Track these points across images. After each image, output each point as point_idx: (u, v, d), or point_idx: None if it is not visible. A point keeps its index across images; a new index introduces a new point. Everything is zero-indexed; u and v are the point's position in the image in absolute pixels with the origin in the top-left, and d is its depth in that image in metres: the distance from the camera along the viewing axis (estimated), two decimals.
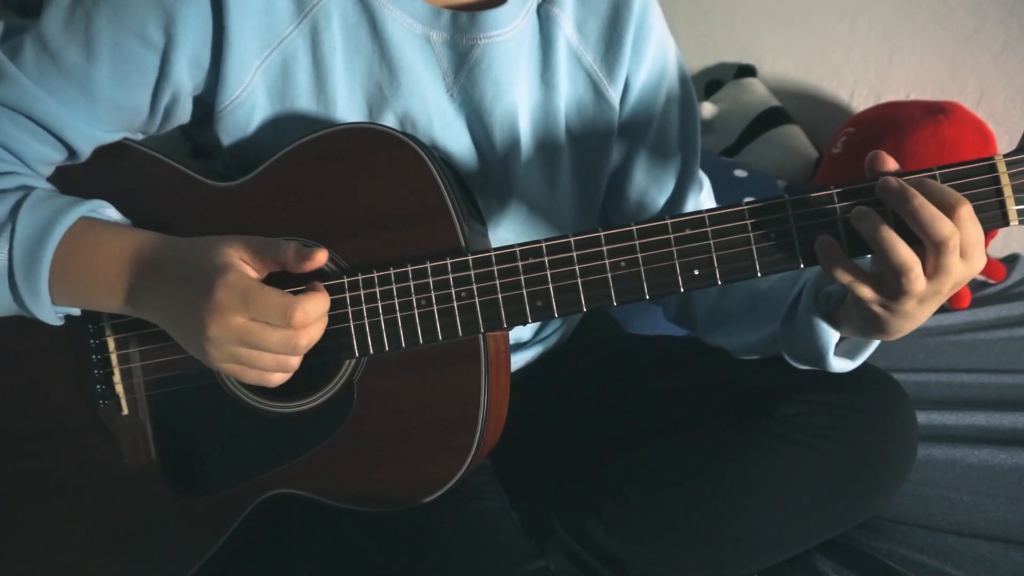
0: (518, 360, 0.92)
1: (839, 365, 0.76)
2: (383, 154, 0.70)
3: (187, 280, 0.65)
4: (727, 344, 0.87)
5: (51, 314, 0.69)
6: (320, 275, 0.70)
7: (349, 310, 0.70)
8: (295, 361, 0.66)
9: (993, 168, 0.62)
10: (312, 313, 0.64)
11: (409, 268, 0.69)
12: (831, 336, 0.73)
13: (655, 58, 0.85)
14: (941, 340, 1.37)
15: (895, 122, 1.55)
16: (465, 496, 0.76)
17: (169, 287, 0.66)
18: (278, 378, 0.67)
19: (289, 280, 0.66)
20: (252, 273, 0.65)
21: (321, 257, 0.65)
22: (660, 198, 0.90)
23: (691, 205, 0.91)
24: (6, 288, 0.67)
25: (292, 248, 0.65)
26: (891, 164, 0.64)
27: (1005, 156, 0.62)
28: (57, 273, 0.67)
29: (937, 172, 0.63)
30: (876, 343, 0.75)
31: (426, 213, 0.70)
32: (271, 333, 0.63)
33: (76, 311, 0.72)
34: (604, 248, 0.67)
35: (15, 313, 0.70)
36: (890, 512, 0.98)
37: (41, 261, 0.66)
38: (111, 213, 0.71)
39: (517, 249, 0.68)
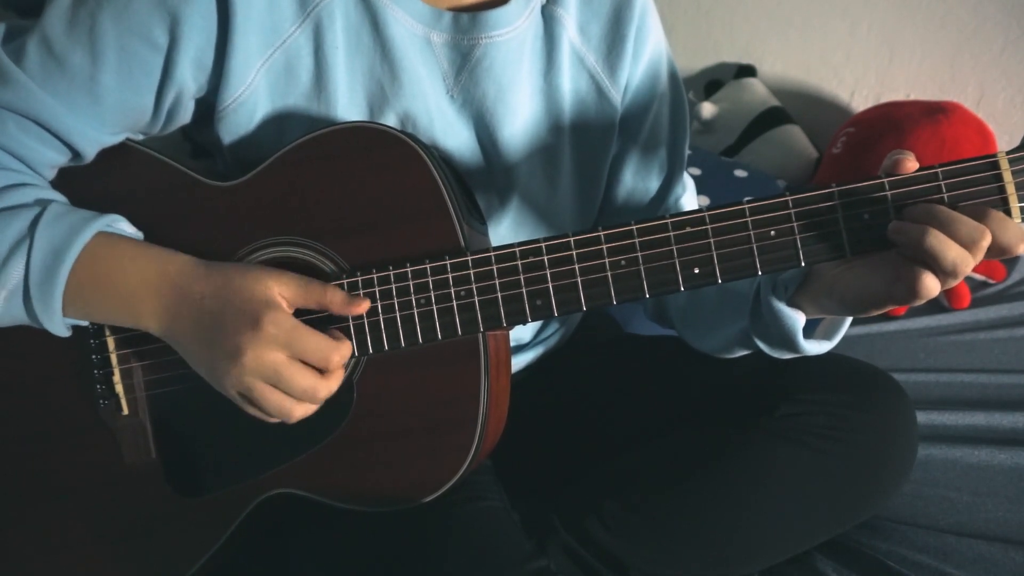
0: (519, 361, 0.92)
1: (813, 348, 0.75)
2: (383, 153, 0.70)
3: (225, 308, 0.66)
4: (707, 345, 0.87)
5: (61, 327, 0.70)
6: (320, 275, 0.70)
7: None
8: (301, 411, 0.67)
9: (996, 165, 0.63)
10: (345, 359, 0.68)
11: (408, 268, 0.69)
12: (796, 320, 0.73)
13: (651, 59, 0.86)
14: (941, 340, 1.37)
15: (895, 122, 1.55)
16: (466, 496, 0.76)
17: (199, 311, 0.67)
18: (275, 420, 0.69)
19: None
20: (288, 310, 0.67)
21: (366, 305, 0.68)
22: (646, 197, 0.90)
23: (674, 205, 0.91)
24: (19, 302, 0.67)
25: (341, 292, 0.68)
26: (911, 166, 0.64)
27: (1008, 153, 0.63)
28: (72, 288, 0.67)
29: (940, 170, 0.63)
30: (849, 321, 0.75)
31: (426, 212, 0.70)
32: (302, 377, 0.66)
33: (84, 323, 0.72)
34: (604, 247, 0.67)
35: (23, 324, 0.70)
36: (890, 512, 0.98)
37: (58, 277, 0.67)
38: (125, 227, 0.71)
39: (516, 248, 0.68)
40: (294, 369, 0.65)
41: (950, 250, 0.61)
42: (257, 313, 0.65)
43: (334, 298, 0.68)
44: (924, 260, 0.62)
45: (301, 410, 0.67)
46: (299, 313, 0.68)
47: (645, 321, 1.18)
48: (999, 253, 0.62)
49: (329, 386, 0.67)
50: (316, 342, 0.66)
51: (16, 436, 0.76)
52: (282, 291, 0.66)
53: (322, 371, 0.67)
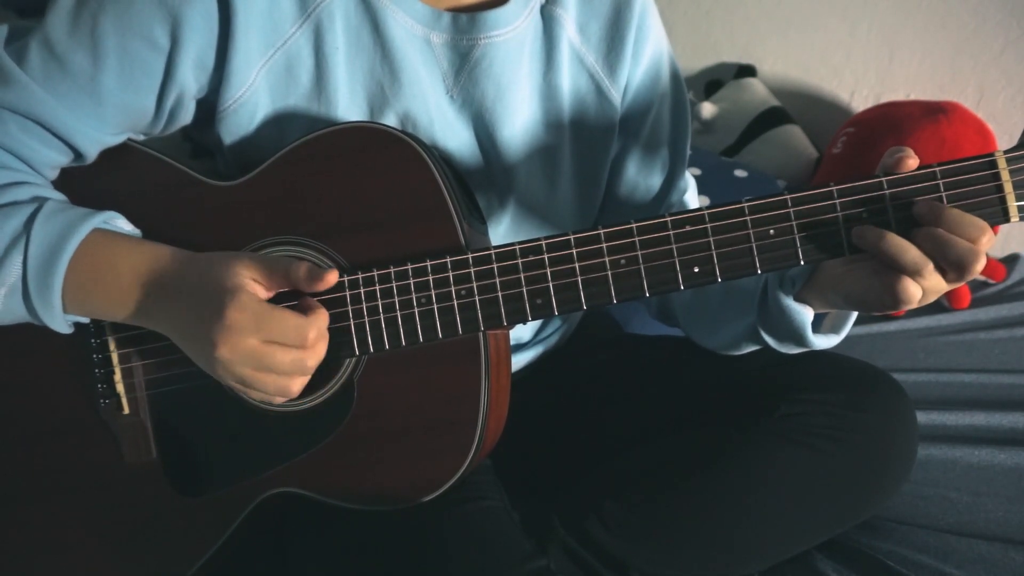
0: (519, 360, 0.92)
1: (822, 341, 0.77)
2: (383, 153, 0.70)
3: (198, 300, 0.65)
4: (714, 343, 0.87)
5: (62, 323, 0.70)
6: None
7: (349, 309, 0.70)
8: (298, 384, 0.67)
9: (993, 164, 0.63)
10: (323, 330, 0.67)
11: (409, 266, 0.69)
12: (805, 316, 0.74)
13: (652, 59, 0.86)
14: (941, 340, 1.37)
15: (895, 122, 1.55)
16: (465, 496, 0.76)
17: (180, 305, 0.67)
18: (280, 400, 0.68)
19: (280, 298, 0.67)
20: (262, 293, 0.66)
21: (332, 278, 0.66)
22: (648, 195, 0.91)
23: (676, 203, 0.91)
24: (19, 298, 0.68)
25: (304, 267, 0.66)
26: (912, 163, 0.64)
27: (1005, 152, 0.63)
28: (70, 284, 0.67)
29: (938, 169, 0.63)
30: (855, 314, 0.77)
31: (426, 212, 0.70)
32: (283, 355, 0.65)
33: (85, 319, 0.72)
34: (604, 246, 0.67)
35: (25, 321, 0.70)
36: (890, 512, 0.98)
37: (55, 272, 0.67)
38: (123, 224, 0.71)
39: (517, 247, 0.68)
40: (271, 349, 0.64)
41: (907, 251, 0.62)
42: (221, 303, 0.64)
43: (298, 272, 0.66)
44: (890, 264, 0.63)
45: (297, 384, 0.67)
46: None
47: (645, 321, 1.18)
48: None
49: (316, 354, 0.67)
50: (288, 321, 0.65)
51: (17, 435, 0.76)
52: (252, 274, 0.66)
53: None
